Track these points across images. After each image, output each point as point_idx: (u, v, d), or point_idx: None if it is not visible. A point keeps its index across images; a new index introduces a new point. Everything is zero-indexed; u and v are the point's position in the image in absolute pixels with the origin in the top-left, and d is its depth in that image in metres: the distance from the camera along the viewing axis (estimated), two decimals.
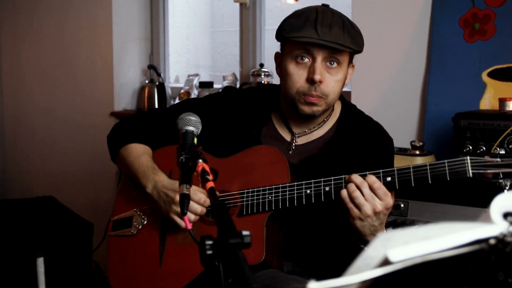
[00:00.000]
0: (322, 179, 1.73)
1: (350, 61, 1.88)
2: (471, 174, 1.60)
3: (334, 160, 1.89)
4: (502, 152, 1.62)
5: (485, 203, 0.83)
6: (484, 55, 2.60)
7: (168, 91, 3.90)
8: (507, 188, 1.62)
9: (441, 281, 0.81)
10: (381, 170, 1.68)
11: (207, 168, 1.34)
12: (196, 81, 3.79)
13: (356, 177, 1.66)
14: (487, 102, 2.58)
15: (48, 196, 3.60)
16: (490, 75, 2.59)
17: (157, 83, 3.85)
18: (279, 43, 1.92)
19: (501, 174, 1.58)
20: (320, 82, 1.78)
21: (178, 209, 1.77)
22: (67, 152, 4.13)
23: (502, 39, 2.58)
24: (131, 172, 1.96)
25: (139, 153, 1.97)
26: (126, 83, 3.97)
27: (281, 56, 1.89)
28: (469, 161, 1.60)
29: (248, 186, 1.82)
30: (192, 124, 1.56)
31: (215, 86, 3.68)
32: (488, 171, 1.59)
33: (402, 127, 2.81)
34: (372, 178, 1.64)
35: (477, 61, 2.62)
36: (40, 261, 2.19)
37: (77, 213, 3.31)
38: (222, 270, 1.07)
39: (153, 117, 2.06)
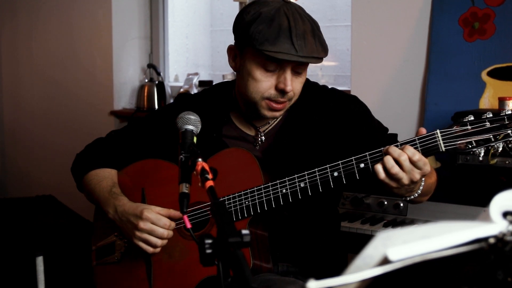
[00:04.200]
0: (296, 175, 1.70)
1: None
2: (443, 149, 1.56)
3: (296, 142, 1.86)
4: (471, 118, 1.56)
5: (485, 202, 0.83)
6: (483, 54, 2.60)
7: (168, 90, 3.90)
8: (481, 156, 1.56)
9: (440, 280, 0.81)
10: (340, 162, 1.64)
11: (206, 167, 1.33)
12: (195, 80, 3.79)
13: (393, 150, 1.56)
14: (487, 101, 2.58)
15: (48, 195, 3.61)
16: (490, 74, 2.59)
17: (156, 82, 3.85)
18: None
19: (473, 142, 1.55)
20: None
21: (142, 235, 1.76)
22: (67, 151, 4.11)
23: (501, 38, 2.58)
24: (95, 199, 1.94)
25: (100, 178, 1.94)
26: (125, 82, 3.97)
27: (241, 55, 1.79)
28: (439, 134, 1.57)
29: (223, 194, 1.78)
30: (192, 123, 1.55)
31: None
32: (459, 141, 1.55)
33: (401, 126, 2.81)
34: (411, 150, 1.56)
35: (476, 60, 2.62)
36: (40, 260, 2.19)
37: (77, 212, 3.31)
38: (222, 270, 1.07)
39: (112, 139, 2.04)
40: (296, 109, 1.87)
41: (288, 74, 1.72)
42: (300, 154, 1.84)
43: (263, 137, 1.90)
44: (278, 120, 1.90)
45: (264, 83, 1.74)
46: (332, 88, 1.95)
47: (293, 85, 1.74)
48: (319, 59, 1.73)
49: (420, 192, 1.69)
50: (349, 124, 1.85)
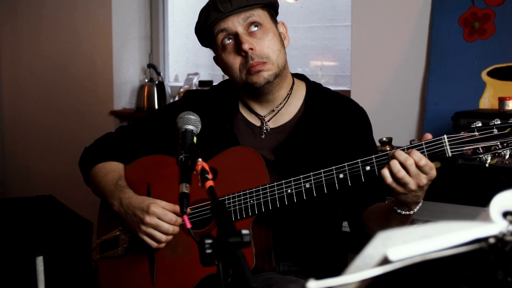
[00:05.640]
0: (301, 176, 1.70)
1: (273, 19, 1.90)
2: (450, 154, 1.56)
3: (307, 143, 1.87)
4: (479, 124, 1.56)
5: (485, 202, 0.83)
6: (483, 54, 2.60)
7: (168, 90, 3.90)
8: (487, 163, 1.55)
9: (440, 280, 0.81)
10: (346, 164, 1.65)
11: (206, 167, 1.34)
12: (195, 80, 3.79)
13: (400, 154, 1.55)
14: (487, 101, 2.58)
15: (48, 195, 3.60)
16: (490, 74, 2.59)
17: (156, 82, 3.85)
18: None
19: (480, 149, 1.54)
20: (251, 49, 1.80)
21: (147, 229, 1.77)
22: (67, 151, 4.13)
23: (501, 38, 2.58)
24: (100, 192, 1.95)
25: (106, 171, 1.95)
26: (125, 82, 3.97)
27: (215, 57, 1.93)
28: (446, 139, 1.56)
29: (228, 192, 1.78)
30: (192, 123, 1.55)
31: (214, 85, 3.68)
32: (467, 147, 1.54)
33: (401, 126, 2.81)
34: (417, 155, 1.55)
35: (476, 60, 2.62)
36: (40, 260, 2.19)
37: (77, 212, 3.31)
38: (222, 269, 1.07)
39: (120, 134, 2.05)
40: (304, 110, 1.90)
41: (241, 36, 1.80)
42: (311, 155, 1.85)
43: (268, 126, 1.92)
44: (283, 110, 1.92)
45: (230, 58, 1.84)
46: (346, 97, 2.00)
47: (256, 44, 1.80)
48: (252, 6, 1.81)
49: (420, 204, 1.67)
50: (354, 132, 1.88)
